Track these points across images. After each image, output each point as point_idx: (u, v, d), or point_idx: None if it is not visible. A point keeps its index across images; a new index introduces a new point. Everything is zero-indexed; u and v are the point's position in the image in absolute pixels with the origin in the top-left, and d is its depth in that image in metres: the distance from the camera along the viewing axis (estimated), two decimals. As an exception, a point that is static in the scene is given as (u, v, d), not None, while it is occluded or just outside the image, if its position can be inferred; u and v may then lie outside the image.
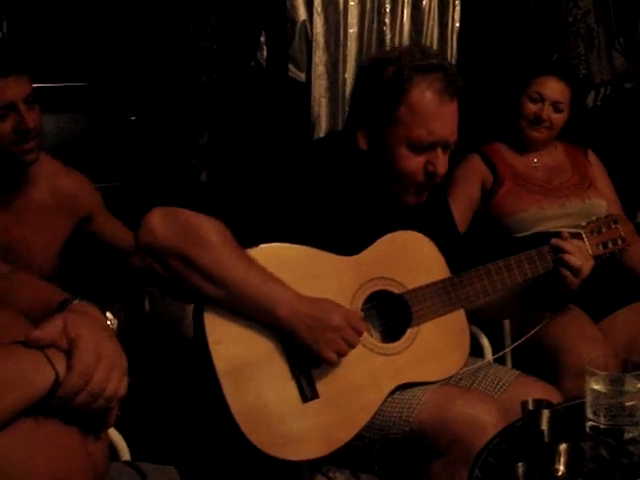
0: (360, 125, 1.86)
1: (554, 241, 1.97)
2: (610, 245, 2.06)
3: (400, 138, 1.81)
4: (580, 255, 1.95)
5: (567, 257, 1.94)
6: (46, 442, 1.03)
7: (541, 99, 2.66)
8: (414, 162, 1.83)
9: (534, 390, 1.83)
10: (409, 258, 1.89)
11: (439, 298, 1.88)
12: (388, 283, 1.85)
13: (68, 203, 2.25)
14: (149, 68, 3.09)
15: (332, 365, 1.73)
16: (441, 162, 1.84)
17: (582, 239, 2.00)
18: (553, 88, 2.67)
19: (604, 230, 2.06)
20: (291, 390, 1.71)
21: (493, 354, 2.24)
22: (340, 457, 1.82)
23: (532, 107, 2.67)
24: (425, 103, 1.79)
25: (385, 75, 1.82)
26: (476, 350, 2.11)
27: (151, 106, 3.14)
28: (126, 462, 1.50)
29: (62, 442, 1.05)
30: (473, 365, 1.95)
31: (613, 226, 2.08)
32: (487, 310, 2.06)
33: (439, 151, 1.83)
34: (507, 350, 2.22)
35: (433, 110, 1.80)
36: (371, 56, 1.94)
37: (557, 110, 2.67)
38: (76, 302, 1.17)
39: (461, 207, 2.60)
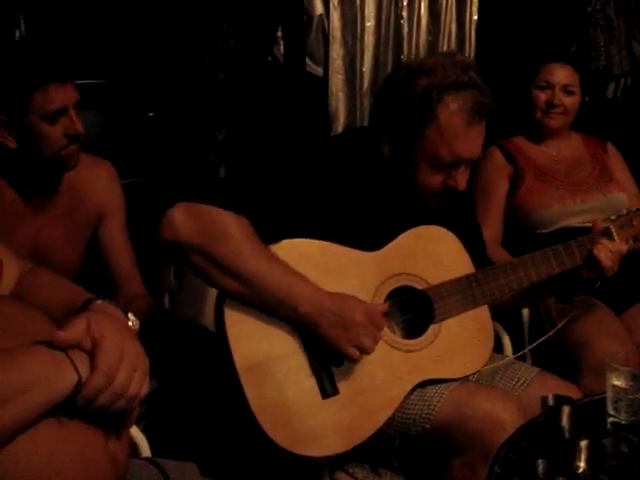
0: (384, 134, 1.83)
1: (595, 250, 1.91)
2: None
3: (424, 154, 1.79)
4: (613, 257, 1.91)
5: (601, 257, 1.89)
6: (68, 442, 1.03)
7: (549, 86, 2.69)
8: (434, 179, 1.82)
9: (554, 388, 1.81)
10: (432, 253, 1.88)
11: (463, 294, 1.86)
12: (411, 279, 1.84)
13: (85, 197, 2.20)
14: (166, 64, 3.09)
15: (353, 361, 1.73)
16: (462, 178, 1.82)
17: (611, 233, 1.97)
18: (559, 73, 2.70)
19: (635, 223, 2.01)
20: (311, 386, 1.71)
21: (513, 350, 2.23)
22: (360, 453, 1.82)
23: (543, 95, 2.70)
24: (453, 125, 1.76)
25: (416, 89, 1.76)
26: (496, 346, 2.09)
27: (169, 102, 3.15)
28: (146, 458, 1.50)
29: (84, 441, 1.05)
30: (494, 364, 1.94)
31: None
32: (503, 301, 2.01)
33: (462, 168, 1.82)
34: (529, 348, 2.19)
35: (460, 133, 1.77)
36: (403, 63, 1.88)
37: (568, 93, 2.70)
38: (99, 302, 1.18)
39: (499, 211, 2.63)
